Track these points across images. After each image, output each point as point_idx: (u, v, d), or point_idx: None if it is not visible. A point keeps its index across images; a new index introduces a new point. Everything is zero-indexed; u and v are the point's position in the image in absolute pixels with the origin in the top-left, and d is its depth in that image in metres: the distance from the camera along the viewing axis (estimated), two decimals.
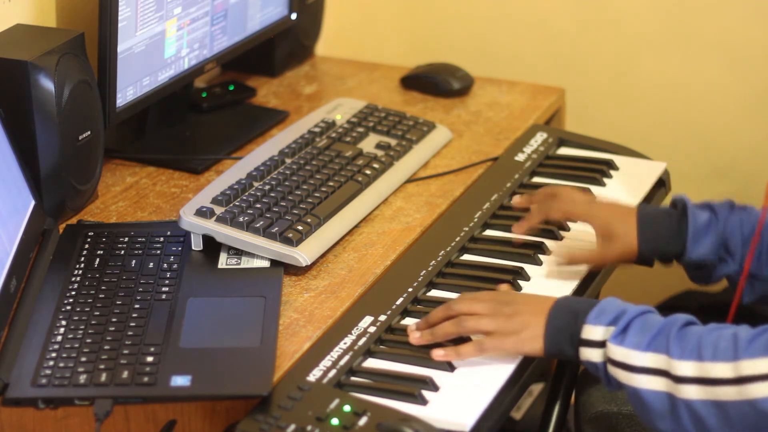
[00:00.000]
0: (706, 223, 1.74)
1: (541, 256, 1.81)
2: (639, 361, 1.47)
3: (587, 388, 1.90)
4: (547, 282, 1.76)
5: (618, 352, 1.49)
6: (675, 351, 1.45)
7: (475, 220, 1.89)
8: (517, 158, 2.10)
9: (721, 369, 1.42)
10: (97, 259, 1.74)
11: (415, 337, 1.60)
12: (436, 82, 2.36)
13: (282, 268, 1.74)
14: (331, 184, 1.90)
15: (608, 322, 1.51)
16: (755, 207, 1.76)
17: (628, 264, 1.82)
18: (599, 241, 1.79)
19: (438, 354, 1.56)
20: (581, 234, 1.85)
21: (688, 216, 1.75)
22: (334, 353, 1.57)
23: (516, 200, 1.89)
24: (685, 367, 1.44)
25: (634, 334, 1.49)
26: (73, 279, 1.69)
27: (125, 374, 1.48)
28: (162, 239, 1.78)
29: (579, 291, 1.75)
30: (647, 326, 1.49)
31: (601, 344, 1.51)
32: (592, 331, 1.52)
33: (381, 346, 1.61)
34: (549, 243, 1.84)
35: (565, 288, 1.74)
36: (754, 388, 1.40)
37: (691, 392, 1.44)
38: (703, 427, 1.44)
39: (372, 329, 1.62)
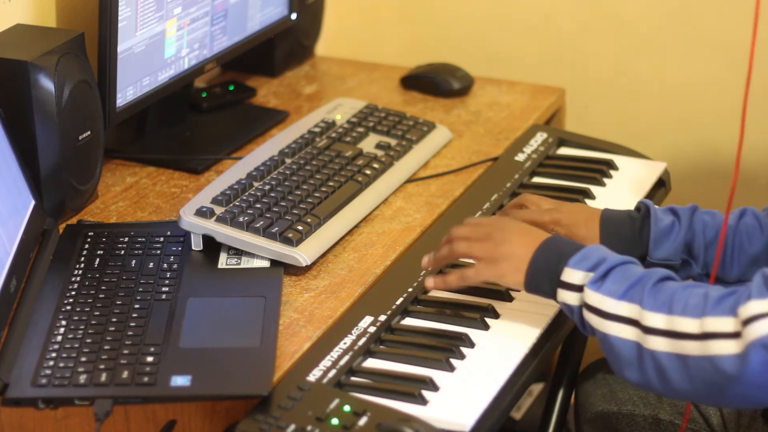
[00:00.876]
0: (668, 227, 1.75)
1: None
2: (613, 309, 1.50)
3: (587, 388, 1.90)
4: None
5: (594, 298, 1.51)
6: (648, 302, 1.48)
7: None
8: (517, 158, 2.10)
9: (688, 324, 1.45)
10: (97, 259, 1.74)
11: (423, 262, 1.70)
12: (436, 82, 2.36)
13: (282, 268, 1.74)
14: (331, 184, 1.90)
15: (589, 267, 1.54)
16: (719, 212, 1.77)
17: None
18: None
19: (428, 283, 1.66)
20: None
21: (650, 219, 1.76)
22: (334, 353, 1.57)
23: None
24: (655, 319, 1.47)
25: (611, 282, 1.52)
26: (73, 279, 1.69)
27: (125, 374, 1.48)
28: (162, 239, 1.79)
29: None
30: (626, 276, 1.52)
31: (579, 288, 1.54)
32: (572, 275, 1.54)
33: (381, 346, 1.61)
34: None
35: None
36: (715, 344, 1.42)
37: (658, 344, 1.46)
38: (665, 379, 1.47)
39: (372, 329, 1.62)
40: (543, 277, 1.58)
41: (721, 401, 1.50)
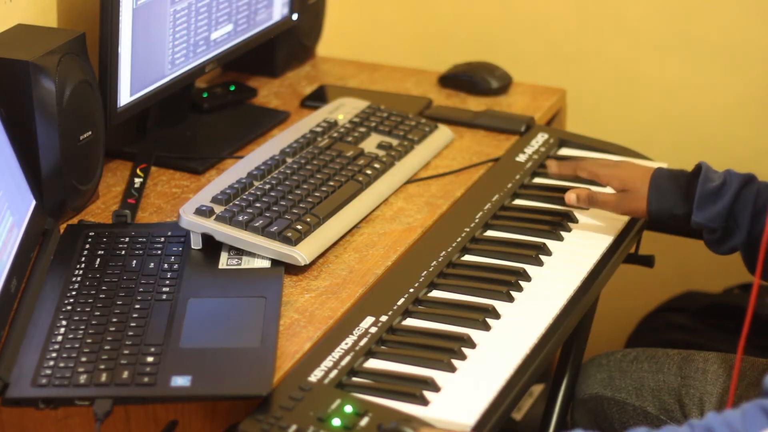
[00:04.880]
0: (715, 189, 1.75)
1: (543, 257, 1.81)
2: None
3: (589, 370, 1.91)
4: (549, 283, 1.75)
5: None
6: None
7: (476, 220, 1.89)
8: (518, 159, 2.10)
9: None
10: (98, 260, 1.74)
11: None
12: (473, 81, 2.36)
13: (282, 268, 1.73)
14: (331, 183, 1.90)
15: None
16: None
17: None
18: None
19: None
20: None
21: (698, 180, 1.76)
22: (336, 353, 1.57)
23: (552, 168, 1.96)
24: None
25: None
26: (74, 279, 1.69)
27: (125, 374, 1.48)
28: (162, 239, 1.78)
29: (580, 291, 1.75)
30: None
31: None
32: None
33: (382, 347, 1.60)
34: (550, 243, 1.84)
35: (566, 289, 1.74)
36: None
37: None
38: None
39: (373, 330, 1.62)
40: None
41: None
